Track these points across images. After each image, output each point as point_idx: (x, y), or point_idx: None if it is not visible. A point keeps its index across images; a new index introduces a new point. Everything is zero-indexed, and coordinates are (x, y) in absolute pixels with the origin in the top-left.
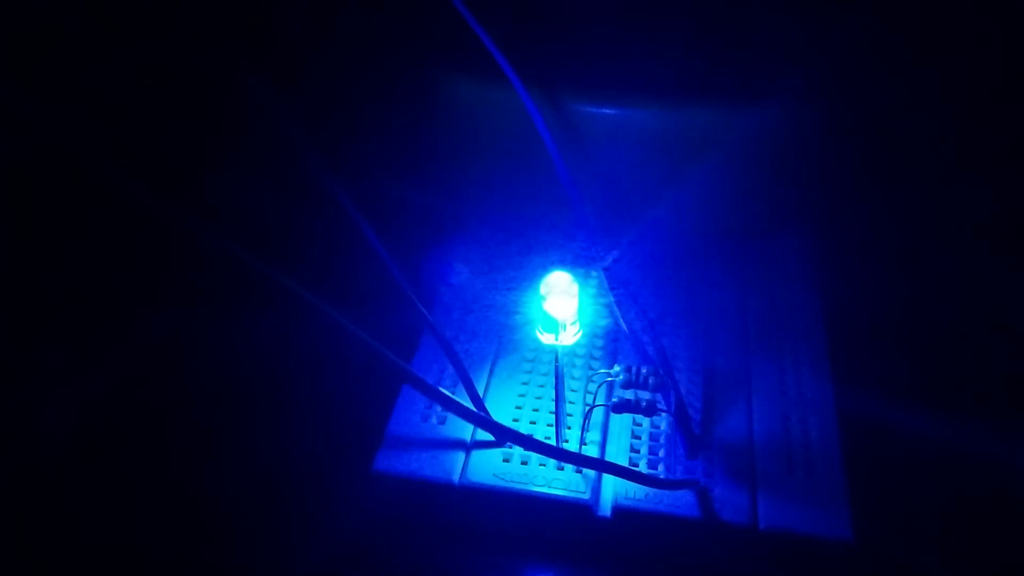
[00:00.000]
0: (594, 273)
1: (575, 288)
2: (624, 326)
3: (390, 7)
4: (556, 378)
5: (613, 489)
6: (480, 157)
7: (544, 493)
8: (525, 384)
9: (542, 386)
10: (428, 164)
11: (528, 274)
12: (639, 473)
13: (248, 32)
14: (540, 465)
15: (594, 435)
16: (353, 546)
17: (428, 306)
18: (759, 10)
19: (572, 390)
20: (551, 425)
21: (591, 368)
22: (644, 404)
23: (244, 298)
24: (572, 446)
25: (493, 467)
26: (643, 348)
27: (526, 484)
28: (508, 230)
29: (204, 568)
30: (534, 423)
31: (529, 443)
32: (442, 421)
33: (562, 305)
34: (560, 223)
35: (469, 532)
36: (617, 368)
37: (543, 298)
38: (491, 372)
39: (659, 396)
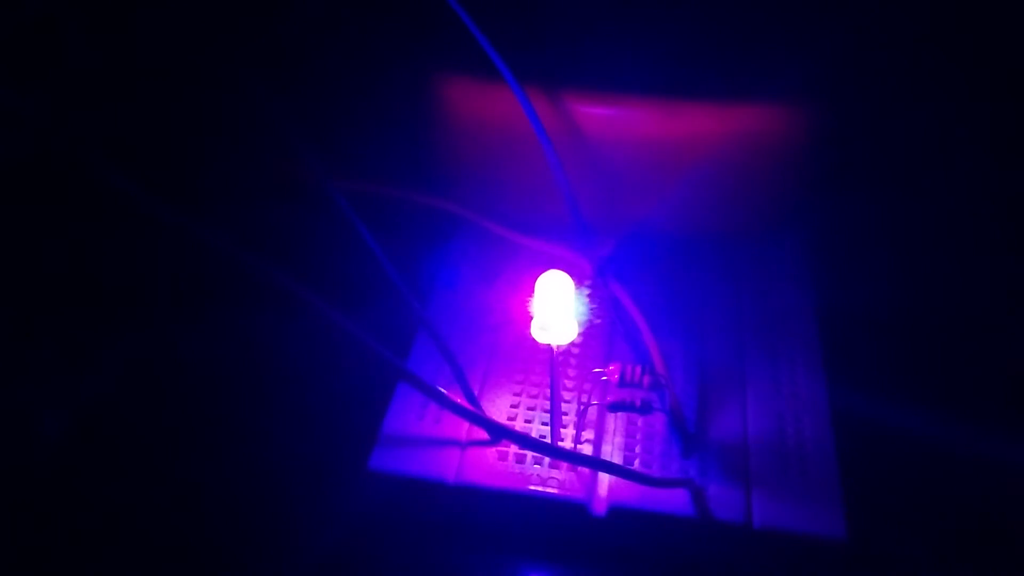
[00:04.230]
0: (590, 272)
1: (571, 287)
2: (619, 325)
3: (386, 6)
4: (551, 377)
5: (608, 488)
6: (476, 156)
7: (539, 492)
8: (520, 383)
9: (537, 385)
10: (424, 163)
11: (523, 272)
12: (634, 472)
13: (245, 30)
14: (535, 464)
15: (588, 434)
16: (347, 544)
17: (423, 304)
18: (755, 9)
19: (567, 389)
20: (546, 424)
21: (586, 367)
22: (639, 403)
23: (239, 296)
24: (567, 445)
25: (488, 466)
26: (638, 347)
27: (521, 483)
28: (503, 228)
29: (198, 568)
30: (529, 422)
31: (524, 441)
32: (437, 419)
33: (558, 304)
34: (556, 221)
35: (464, 531)
36: (612, 367)
37: (539, 296)
38: (486, 370)
39: (654, 395)
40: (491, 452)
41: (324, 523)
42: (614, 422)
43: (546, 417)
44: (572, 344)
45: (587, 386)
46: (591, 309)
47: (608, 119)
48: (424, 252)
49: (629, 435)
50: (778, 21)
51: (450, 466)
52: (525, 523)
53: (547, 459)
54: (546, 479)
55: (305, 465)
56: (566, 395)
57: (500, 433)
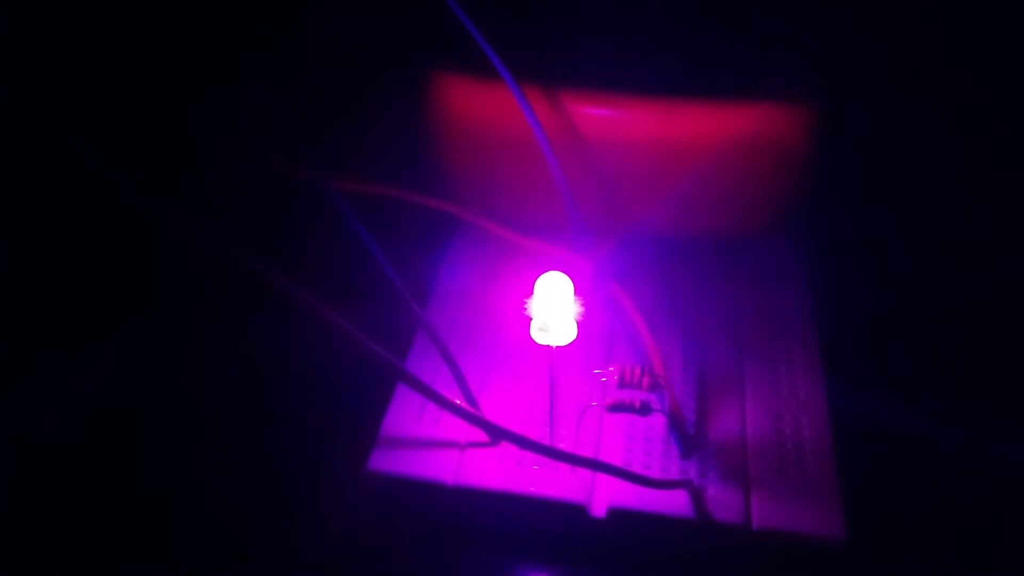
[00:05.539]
0: (589, 273)
1: (570, 288)
2: (619, 326)
3: (386, 6)
4: (550, 378)
5: (607, 489)
6: (475, 156)
7: (538, 493)
8: (519, 384)
9: (536, 386)
10: (424, 163)
11: (523, 273)
12: (633, 473)
13: (244, 31)
14: (534, 466)
15: (588, 435)
16: (346, 545)
17: (422, 305)
18: (754, 11)
19: (566, 390)
20: (545, 425)
21: (585, 368)
22: (638, 404)
23: (239, 297)
24: (566, 446)
25: (487, 467)
26: (637, 348)
27: (520, 484)
28: (503, 228)
29: (198, 567)
30: (528, 423)
31: (523, 443)
32: (437, 420)
33: (557, 305)
34: (555, 222)
35: (463, 532)
36: (611, 368)
37: (538, 298)
38: (485, 371)
39: (653, 396)
40: (490, 453)
41: (324, 523)
42: (613, 423)
43: (545, 418)
44: (571, 345)
45: (586, 387)
46: (591, 310)
47: (607, 119)
48: (424, 253)
49: (628, 436)
50: (779, 21)
51: (449, 467)
52: (524, 524)
53: (546, 460)
54: (545, 480)
55: (305, 465)
56: (565, 396)
57: (499, 434)
